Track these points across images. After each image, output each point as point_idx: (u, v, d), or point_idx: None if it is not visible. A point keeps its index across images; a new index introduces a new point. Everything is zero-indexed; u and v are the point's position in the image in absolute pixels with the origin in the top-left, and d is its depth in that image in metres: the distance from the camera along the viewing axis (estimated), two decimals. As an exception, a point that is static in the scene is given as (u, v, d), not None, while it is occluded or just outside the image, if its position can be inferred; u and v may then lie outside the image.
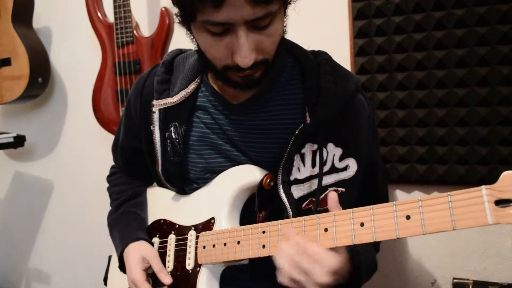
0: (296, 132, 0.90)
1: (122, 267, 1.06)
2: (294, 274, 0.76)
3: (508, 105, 1.29)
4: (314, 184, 0.92)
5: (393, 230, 0.71)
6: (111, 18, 1.80)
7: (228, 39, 0.79)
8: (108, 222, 1.15)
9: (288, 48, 0.99)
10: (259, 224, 0.87)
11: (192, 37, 0.88)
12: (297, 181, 0.93)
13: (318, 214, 0.80)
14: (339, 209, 0.79)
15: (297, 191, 0.92)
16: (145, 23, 1.87)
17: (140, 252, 1.01)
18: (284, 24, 0.88)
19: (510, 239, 1.37)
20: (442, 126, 1.37)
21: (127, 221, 1.10)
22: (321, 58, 0.96)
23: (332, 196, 0.81)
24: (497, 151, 1.31)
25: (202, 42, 0.84)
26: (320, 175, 0.91)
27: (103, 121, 1.86)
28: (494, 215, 0.62)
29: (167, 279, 0.96)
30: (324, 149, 0.92)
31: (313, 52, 0.99)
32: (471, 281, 1.31)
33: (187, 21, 0.83)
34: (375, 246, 1.06)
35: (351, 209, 0.76)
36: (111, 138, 1.82)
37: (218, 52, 0.83)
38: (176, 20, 0.86)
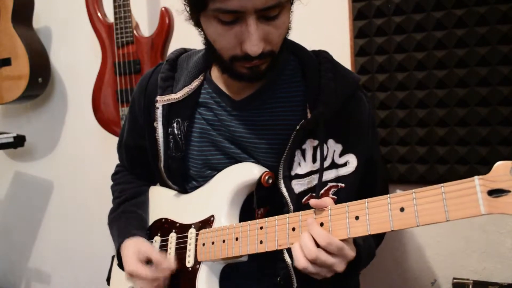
0: (297, 128, 0.91)
1: (121, 264, 1.06)
2: (311, 267, 0.78)
3: (509, 105, 1.29)
4: (315, 179, 0.93)
5: (388, 222, 0.72)
6: (111, 18, 1.79)
7: (238, 28, 0.81)
8: (109, 220, 1.15)
9: (290, 47, 1.00)
10: (257, 220, 0.87)
11: (199, 30, 0.90)
12: (298, 176, 0.94)
13: (314, 209, 0.81)
14: (319, 228, 0.79)
15: (298, 186, 0.93)
16: (145, 23, 1.87)
17: (137, 245, 1.00)
18: (290, 19, 0.89)
19: (510, 239, 1.37)
20: (442, 126, 1.37)
21: (126, 219, 1.10)
22: (322, 57, 0.98)
23: (314, 203, 0.81)
24: (497, 151, 1.31)
25: (212, 32, 0.85)
26: (320, 171, 0.91)
27: (103, 121, 1.86)
28: (487, 205, 0.63)
29: (170, 264, 0.95)
30: (325, 145, 0.93)
31: (314, 51, 1.02)
32: (471, 281, 1.31)
33: (198, 12, 0.84)
34: (376, 236, 1.07)
35: (347, 203, 0.77)
36: (111, 138, 1.83)
37: (227, 42, 0.84)
38: (185, 13, 0.88)
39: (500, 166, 0.63)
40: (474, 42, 1.30)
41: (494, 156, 1.32)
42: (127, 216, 1.11)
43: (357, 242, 0.85)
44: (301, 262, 0.78)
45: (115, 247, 1.07)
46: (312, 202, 0.81)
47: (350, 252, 0.79)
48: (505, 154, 1.30)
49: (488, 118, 1.31)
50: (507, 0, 1.25)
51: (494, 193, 0.62)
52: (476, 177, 0.64)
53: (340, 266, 0.78)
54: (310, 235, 0.78)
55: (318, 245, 0.77)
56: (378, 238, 1.14)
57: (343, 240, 0.78)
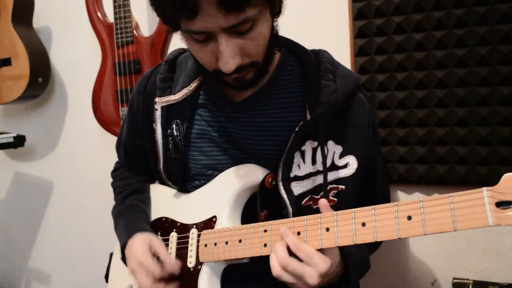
0: (296, 129, 0.91)
1: (125, 257, 1.05)
2: (285, 276, 0.79)
3: (509, 105, 1.29)
4: (314, 181, 0.93)
5: (394, 230, 0.71)
6: (111, 18, 1.80)
7: (212, 45, 0.81)
8: (113, 214, 1.15)
9: (289, 47, 1.00)
10: (261, 223, 0.87)
11: (185, 43, 0.90)
12: (297, 178, 0.93)
13: (319, 214, 0.80)
14: (293, 236, 0.80)
15: (297, 188, 0.93)
16: (145, 23, 1.87)
17: (148, 238, 1.00)
18: (275, 24, 0.89)
19: (510, 239, 1.37)
20: (442, 126, 1.37)
21: (134, 213, 1.10)
22: (322, 57, 0.97)
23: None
24: (497, 151, 1.31)
25: (191, 48, 0.87)
26: (324, 172, 0.91)
27: (103, 121, 1.86)
28: (494, 217, 0.63)
29: (174, 268, 0.95)
30: (325, 147, 0.92)
31: (314, 51, 1.01)
32: (471, 281, 1.31)
33: (175, 30, 0.85)
34: (372, 244, 1.07)
35: (353, 209, 0.76)
36: (111, 138, 1.83)
37: (205, 58, 0.85)
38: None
39: (508, 177, 0.63)
40: (474, 42, 1.30)
41: (494, 157, 1.32)
42: (134, 209, 1.10)
43: (348, 254, 0.86)
44: (275, 270, 0.80)
45: (120, 241, 1.06)
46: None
47: (322, 263, 0.77)
48: (505, 154, 1.30)
49: (488, 118, 1.31)
50: (507, 0, 1.25)
51: (502, 205, 0.62)
52: (484, 188, 0.64)
53: (311, 277, 0.77)
54: (284, 244, 0.80)
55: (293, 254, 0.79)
56: (375, 244, 1.14)
57: (323, 252, 0.79)
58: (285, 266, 0.78)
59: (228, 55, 0.79)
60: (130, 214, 1.09)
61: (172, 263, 0.95)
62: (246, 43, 0.81)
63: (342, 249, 0.85)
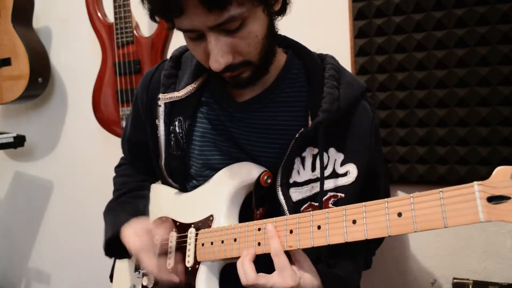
0: (296, 136, 0.90)
1: (109, 252, 1.06)
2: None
3: (509, 105, 1.29)
4: (314, 188, 0.92)
5: (385, 228, 0.69)
6: (111, 18, 1.80)
7: (204, 43, 0.81)
8: (104, 210, 1.15)
9: (296, 50, 0.99)
10: (255, 221, 0.87)
11: None
12: (296, 184, 0.93)
13: (312, 212, 0.80)
14: (277, 239, 0.82)
15: (296, 194, 0.93)
16: (145, 23, 1.87)
17: (134, 226, 1.00)
18: (275, 23, 0.88)
19: (510, 239, 1.36)
20: (442, 126, 1.37)
21: (123, 208, 1.10)
22: (327, 63, 0.96)
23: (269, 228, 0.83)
24: (497, 151, 1.31)
25: (188, 45, 0.87)
26: (321, 180, 0.90)
27: (103, 121, 1.86)
28: (486, 212, 0.60)
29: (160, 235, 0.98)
30: (325, 154, 0.91)
31: (320, 55, 1.00)
32: (471, 281, 1.30)
33: (173, 28, 0.85)
34: (374, 242, 1.07)
35: (344, 206, 0.75)
36: (111, 138, 1.84)
37: (200, 55, 0.85)
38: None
39: (500, 171, 0.60)
40: (474, 42, 1.30)
41: (494, 157, 1.31)
42: (124, 206, 1.11)
43: (328, 273, 0.87)
44: (243, 282, 0.82)
45: (104, 236, 1.07)
46: (268, 227, 0.83)
47: (289, 278, 0.79)
48: (505, 154, 1.30)
49: (488, 118, 1.31)
50: (507, 0, 1.25)
51: (494, 199, 0.60)
52: (475, 183, 0.62)
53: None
54: (252, 258, 0.83)
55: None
56: (377, 242, 1.14)
57: (299, 265, 0.82)
58: (255, 284, 0.80)
59: (217, 54, 0.79)
60: (118, 210, 1.10)
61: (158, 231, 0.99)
62: (236, 42, 0.80)
63: (319, 268, 0.86)
